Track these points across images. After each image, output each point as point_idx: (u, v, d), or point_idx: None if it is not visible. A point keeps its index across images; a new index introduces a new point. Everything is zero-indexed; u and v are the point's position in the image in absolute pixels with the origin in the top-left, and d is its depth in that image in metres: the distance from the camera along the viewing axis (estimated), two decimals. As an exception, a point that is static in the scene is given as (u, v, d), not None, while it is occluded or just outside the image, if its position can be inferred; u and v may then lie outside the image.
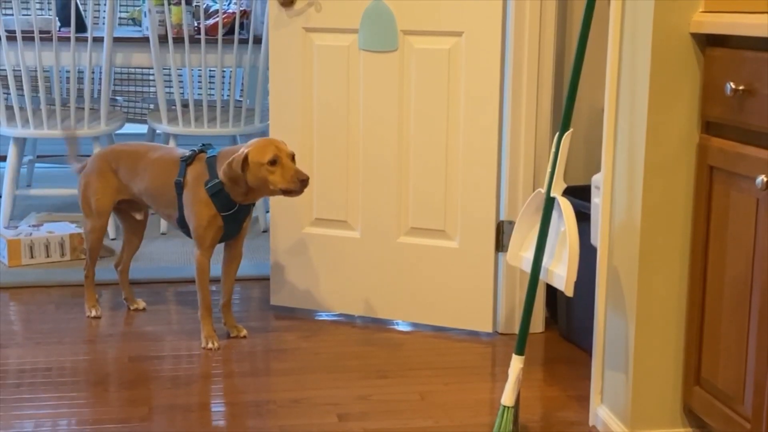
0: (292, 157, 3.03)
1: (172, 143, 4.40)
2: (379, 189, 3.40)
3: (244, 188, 3.04)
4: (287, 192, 3.01)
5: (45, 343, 3.23)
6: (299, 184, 2.98)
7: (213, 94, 4.73)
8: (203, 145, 3.24)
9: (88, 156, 3.56)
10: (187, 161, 3.18)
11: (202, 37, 4.26)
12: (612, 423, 2.54)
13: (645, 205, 2.39)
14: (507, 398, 2.49)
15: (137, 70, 5.72)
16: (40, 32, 4.17)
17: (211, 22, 4.49)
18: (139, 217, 3.51)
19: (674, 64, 2.33)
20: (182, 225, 3.22)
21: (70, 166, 3.54)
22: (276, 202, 3.49)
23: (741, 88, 2.15)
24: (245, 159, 2.99)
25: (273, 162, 2.99)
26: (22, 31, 4.15)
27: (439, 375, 3.04)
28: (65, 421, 2.68)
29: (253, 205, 3.22)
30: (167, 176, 3.21)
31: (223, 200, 3.09)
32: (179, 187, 3.17)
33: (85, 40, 4.24)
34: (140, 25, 4.99)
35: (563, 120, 2.49)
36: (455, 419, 2.73)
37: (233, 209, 3.12)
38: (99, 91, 4.51)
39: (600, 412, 2.61)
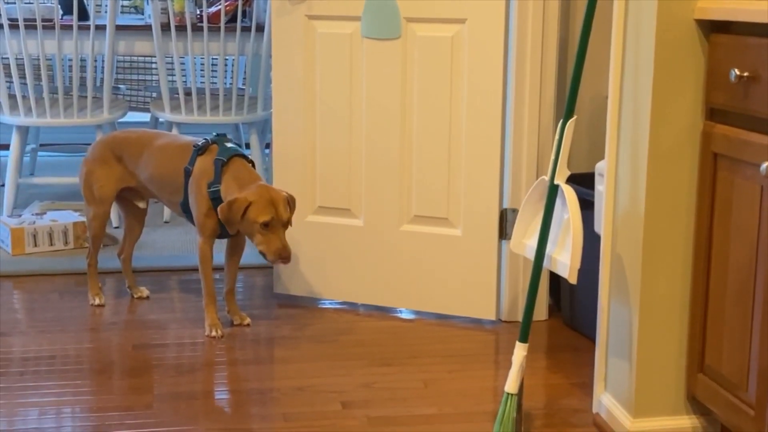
0: (287, 224, 3.03)
1: (175, 132, 4.39)
2: (382, 177, 3.39)
3: (235, 230, 3.05)
4: (264, 256, 3.04)
5: (49, 331, 3.24)
6: (279, 259, 3.01)
7: (215, 83, 4.71)
8: (217, 135, 3.23)
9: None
10: (200, 150, 3.18)
11: (205, 24, 4.25)
12: (615, 410, 2.54)
13: (649, 192, 2.38)
14: (511, 386, 2.49)
15: (139, 58, 5.72)
16: (43, 20, 4.16)
17: (213, 9, 4.47)
18: (141, 205, 3.51)
19: (678, 50, 2.32)
20: (185, 210, 3.22)
21: None
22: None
23: (746, 74, 2.14)
24: (246, 209, 2.99)
25: (266, 225, 2.99)
26: (25, 20, 4.14)
27: (443, 363, 3.04)
28: (69, 409, 2.69)
29: None
30: (175, 162, 3.21)
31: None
32: (188, 174, 3.17)
33: (88, 28, 4.23)
34: (142, 13, 4.98)
35: (567, 107, 2.48)
36: (459, 407, 2.73)
37: None
38: (101, 79, 4.51)
39: (603, 399, 2.61)
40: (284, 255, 3.01)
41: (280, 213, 3.02)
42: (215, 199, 3.09)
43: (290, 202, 3.07)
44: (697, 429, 2.47)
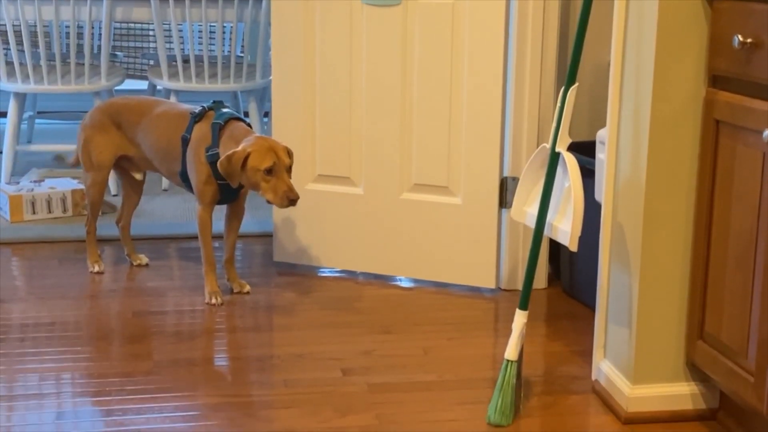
0: (289, 169, 3.00)
1: (173, 99, 4.37)
2: (382, 145, 3.38)
3: (237, 183, 3.03)
4: (272, 203, 3.01)
5: (48, 298, 3.24)
6: (287, 202, 2.96)
7: (214, 50, 4.69)
8: (214, 102, 3.21)
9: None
10: (197, 118, 3.16)
11: (203, -9, 4.23)
12: (615, 377, 2.54)
13: (650, 160, 2.38)
14: (510, 353, 2.49)
15: (137, 25, 5.68)
16: (40, -14, 4.14)
17: (211, -24, 4.44)
18: (138, 177, 3.50)
19: (681, 16, 2.31)
20: (184, 179, 3.21)
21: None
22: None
23: (749, 41, 2.13)
24: (245, 160, 2.97)
25: (269, 171, 2.96)
26: (22, -15, 4.12)
27: (443, 330, 3.04)
28: (69, 375, 2.69)
29: None
30: (173, 131, 3.19)
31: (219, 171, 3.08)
32: (185, 142, 3.16)
33: (85, -6, 4.20)
34: (140, -20, 4.93)
35: (569, 74, 2.47)
36: (458, 374, 2.74)
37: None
38: (99, 46, 4.48)
39: (603, 366, 2.62)
40: (292, 197, 2.95)
41: (282, 158, 2.98)
42: (214, 163, 3.08)
43: (289, 153, 3.05)
44: (696, 396, 2.48)
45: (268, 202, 3.00)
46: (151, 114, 3.28)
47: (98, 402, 2.54)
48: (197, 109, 3.19)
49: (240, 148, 2.98)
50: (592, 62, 3.33)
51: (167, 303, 3.23)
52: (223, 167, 2.99)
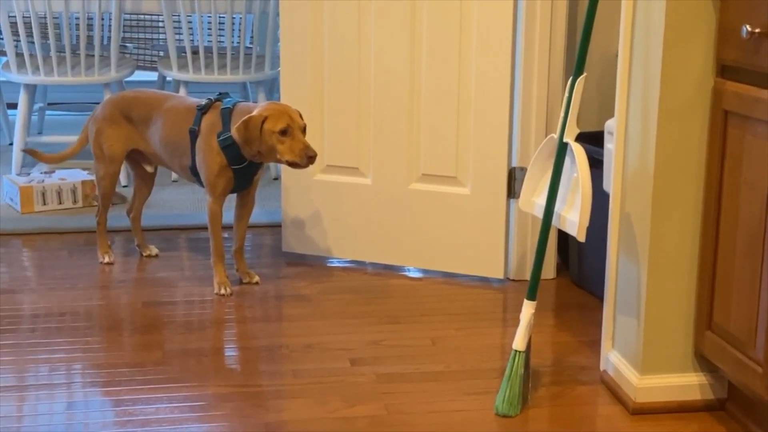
0: (304, 129, 3.02)
1: (182, 90, 4.38)
2: (390, 135, 3.38)
3: (255, 150, 3.04)
4: (292, 164, 3.01)
5: (58, 288, 3.25)
6: (306, 159, 2.98)
7: (223, 41, 4.69)
8: (220, 94, 3.23)
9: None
10: (203, 110, 3.17)
11: (212, -18, 4.23)
12: (623, 367, 2.55)
13: (658, 150, 2.37)
14: (518, 343, 2.49)
15: (147, 16, 5.68)
16: (49, -22, 4.14)
17: (220, -33, 4.44)
18: (149, 169, 3.51)
19: (690, 6, 2.30)
20: (194, 173, 3.22)
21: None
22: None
23: (757, 30, 2.12)
24: (262, 123, 2.98)
25: (284, 132, 2.98)
26: (31, -23, 4.12)
27: (451, 320, 3.05)
28: (79, 365, 2.71)
29: None
30: (181, 125, 3.20)
31: (234, 154, 3.09)
32: (193, 135, 3.16)
33: (95, -15, 4.21)
34: (149, -29, 4.94)
35: (577, 64, 2.46)
36: (466, 364, 2.74)
37: (244, 163, 3.11)
38: (109, 37, 4.49)
39: (611, 357, 2.62)
40: (310, 153, 2.97)
41: (295, 119, 3.01)
42: (227, 146, 3.08)
43: (301, 115, 3.06)
44: (705, 386, 2.48)
45: (288, 163, 3.01)
46: (160, 108, 3.29)
47: (108, 392, 2.55)
48: (203, 101, 3.20)
49: (255, 113, 3.00)
50: (601, 52, 3.33)
51: (177, 293, 3.24)
52: (240, 132, 3.00)
